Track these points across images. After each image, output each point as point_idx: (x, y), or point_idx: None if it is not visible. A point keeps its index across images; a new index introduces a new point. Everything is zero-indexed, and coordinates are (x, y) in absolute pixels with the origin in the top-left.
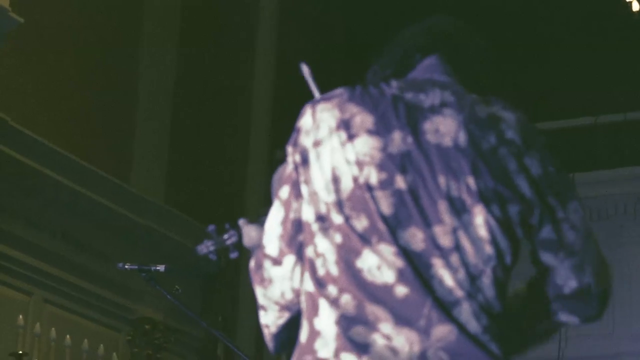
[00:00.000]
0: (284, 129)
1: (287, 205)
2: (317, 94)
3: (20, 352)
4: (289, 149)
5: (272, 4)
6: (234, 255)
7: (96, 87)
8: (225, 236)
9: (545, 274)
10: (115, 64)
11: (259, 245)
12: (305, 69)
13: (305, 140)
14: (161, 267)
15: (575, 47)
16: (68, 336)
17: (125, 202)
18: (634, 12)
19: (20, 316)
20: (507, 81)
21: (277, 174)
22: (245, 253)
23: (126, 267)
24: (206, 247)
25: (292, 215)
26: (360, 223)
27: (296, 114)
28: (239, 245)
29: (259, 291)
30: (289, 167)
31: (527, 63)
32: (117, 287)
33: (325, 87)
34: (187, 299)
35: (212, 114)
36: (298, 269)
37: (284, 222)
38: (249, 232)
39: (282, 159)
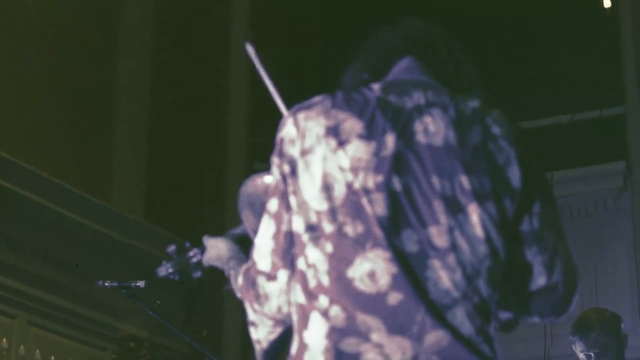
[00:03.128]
0: (262, 141)
1: (277, 218)
2: (265, 76)
3: None
4: (275, 160)
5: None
6: (197, 274)
7: (72, 107)
8: (190, 254)
9: (518, 272)
10: (90, 84)
11: (227, 258)
12: (251, 50)
13: (292, 150)
14: (141, 283)
15: (549, 45)
16: (53, 357)
17: (105, 221)
18: (605, 8)
19: (4, 339)
20: (482, 81)
21: (245, 187)
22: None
23: (106, 284)
24: (165, 269)
25: (284, 228)
26: (355, 229)
27: (273, 127)
28: (201, 264)
29: (251, 308)
30: (274, 179)
31: (502, 62)
32: (100, 306)
33: (303, 84)
34: (171, 313)
35: (189, 129)
36: (292, 282)
37: (275, 235)
38: (214, 243)
39: (262, 171)
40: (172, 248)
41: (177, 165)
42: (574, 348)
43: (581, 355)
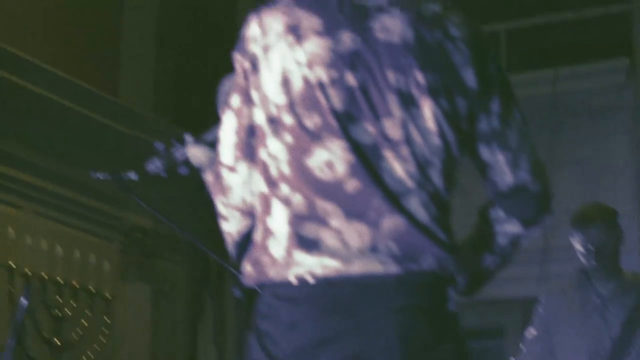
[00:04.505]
0: None
1: (239, 113)
2: None
3: (12, 263)
4: (237, 57)
5: None
6: (183, 171)
7: (79, 1)
8: (175, 152)
9: (483, 171)
10: None
11: (207, 163)
12: None
13: (254, 47)
14: (132, 175)
15: None
16: (59, 247)
17: (113, 115)
18: None
19: (10, 229)
20: None
21: (223, 86)
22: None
23: (98, 176)
24: (154, 166)
25: (244, 122)
26: (312, 120)
27: None
28: (188, 161)
29: (219, 201)
30: (236, 75)
31: None
32: (106, 198)
33: None
34: (178, 206)
35: (198, 21)
36: (254, 173)
37: (237, 130)
38: (194, 153)
39: None
40: (160, 145)
41: (187, 58)
42: (572, 241)
43: (580, 249)
